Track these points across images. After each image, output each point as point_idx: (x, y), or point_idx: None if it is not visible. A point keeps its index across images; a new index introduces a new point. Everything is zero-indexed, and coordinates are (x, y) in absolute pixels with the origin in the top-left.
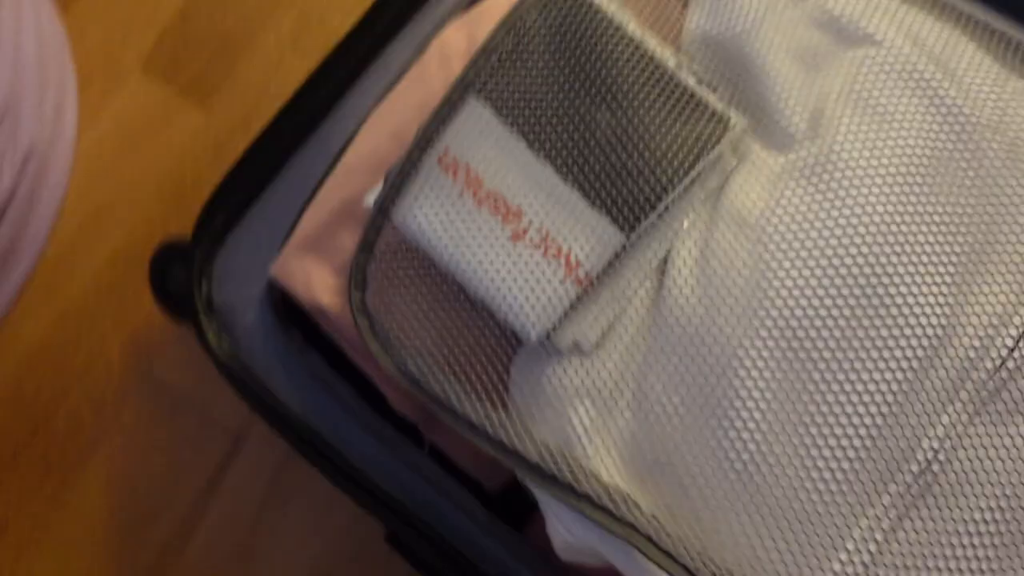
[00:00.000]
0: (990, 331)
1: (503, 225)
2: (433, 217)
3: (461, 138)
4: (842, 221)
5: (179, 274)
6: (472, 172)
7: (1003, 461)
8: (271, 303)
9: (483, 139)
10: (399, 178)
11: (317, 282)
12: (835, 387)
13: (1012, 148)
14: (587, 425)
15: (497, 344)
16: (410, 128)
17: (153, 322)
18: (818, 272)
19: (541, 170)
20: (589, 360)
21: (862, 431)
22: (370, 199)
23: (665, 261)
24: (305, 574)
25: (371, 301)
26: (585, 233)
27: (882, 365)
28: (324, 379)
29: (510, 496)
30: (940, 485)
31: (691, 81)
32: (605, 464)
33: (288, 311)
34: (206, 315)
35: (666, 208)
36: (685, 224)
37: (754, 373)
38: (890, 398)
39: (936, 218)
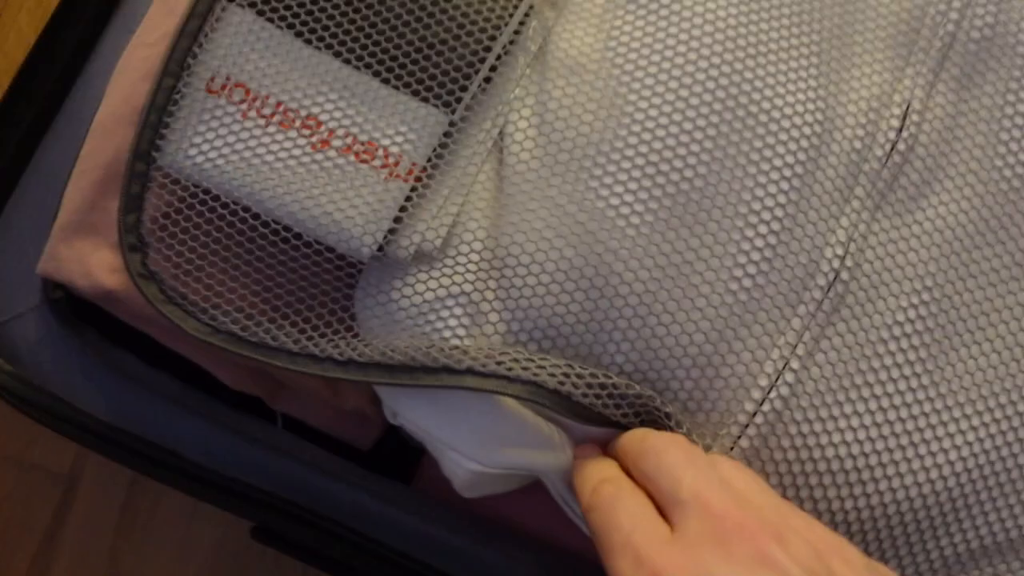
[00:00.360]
0: (872, 116)
1: (300, 138)
2: (215, 151)
3: (225, 54)
4: (684, 38)
5: None
6: (250, 89)
7: (916, 251)
8: (52, 307)
9: (252, 48)
10: (155, 115)
11: (96, 264)
12: (716, 214)
13: None
14: (460, 335)
15: (329, 274)
16: None
17: None
18: (671, 98)
19: (328, 66)
20: (441, 264)
21: (755, 255)
22: None
23: (502, 138)
24: None
25: (155, 264)
26: (398, 124)
27: (763, 180)
28: (138, 377)
29: (388, 453)
30: (854, 293)
31: None
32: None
33: (76, 310)
34: None
35: (487, 80)
36: (515, 92)
37: (624, 222)
38: (779, 212)
39: (785, 15)
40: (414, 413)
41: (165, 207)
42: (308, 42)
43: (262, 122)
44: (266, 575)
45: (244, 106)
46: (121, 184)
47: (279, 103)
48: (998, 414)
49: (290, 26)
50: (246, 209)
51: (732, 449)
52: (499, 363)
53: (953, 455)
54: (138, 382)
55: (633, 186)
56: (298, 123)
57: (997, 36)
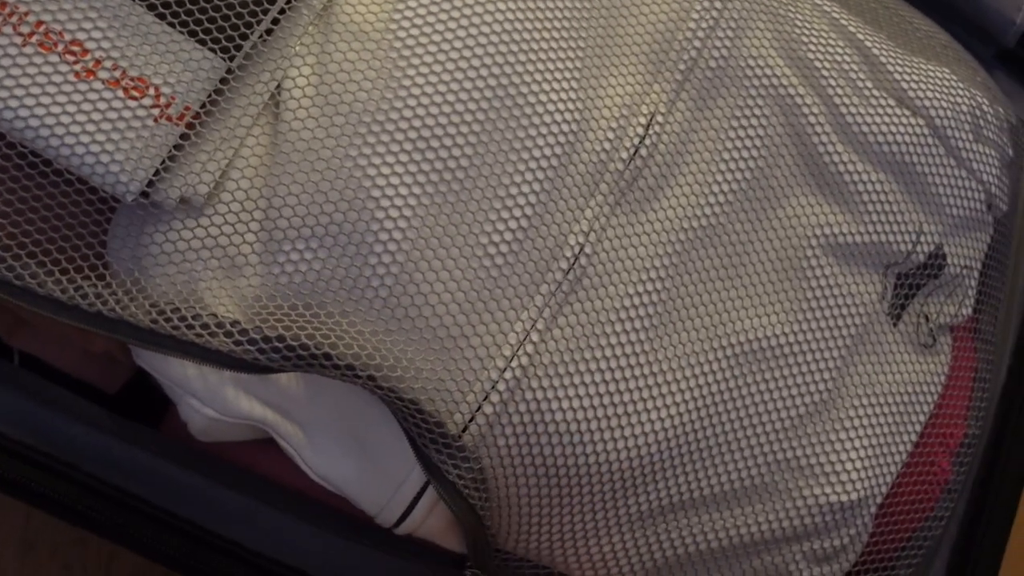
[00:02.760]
0: (621, 122)
1: (63, 64)
2: None
3: None
4: (464, 23)
5: None
6: (6, 2)
7: (645, 247)
8: None
9: None
10: None
11: None
12: (476, 194)
13: None
14: (212, 288)
15: (82, 209)
16: None
17: None
18: (446, 78)
19: None
20: (203, 214)
21: (508, 235)
22: None
23: (279, 92)
24: None
25: None
26: (172, 63)
27: (521, 167)
28: None
29: (137, 396)
30: (589, 278)
31: None
32: (234, 315)
33: None
34: None
35: (269, 32)
36: (296, 47)
37: (391, 191)
38: (532, 199)
39: (558, 19)
40: (154, 358)
41: None
42: None
43: (18, 40)
44: None
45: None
46: None
47: (40, 22)
48: (696, 393)
49: None
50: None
51: (477, 414)
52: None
53: (658, 423)
54: None
55: (403, 158)
56: (61, 47)
57: (730, 66)
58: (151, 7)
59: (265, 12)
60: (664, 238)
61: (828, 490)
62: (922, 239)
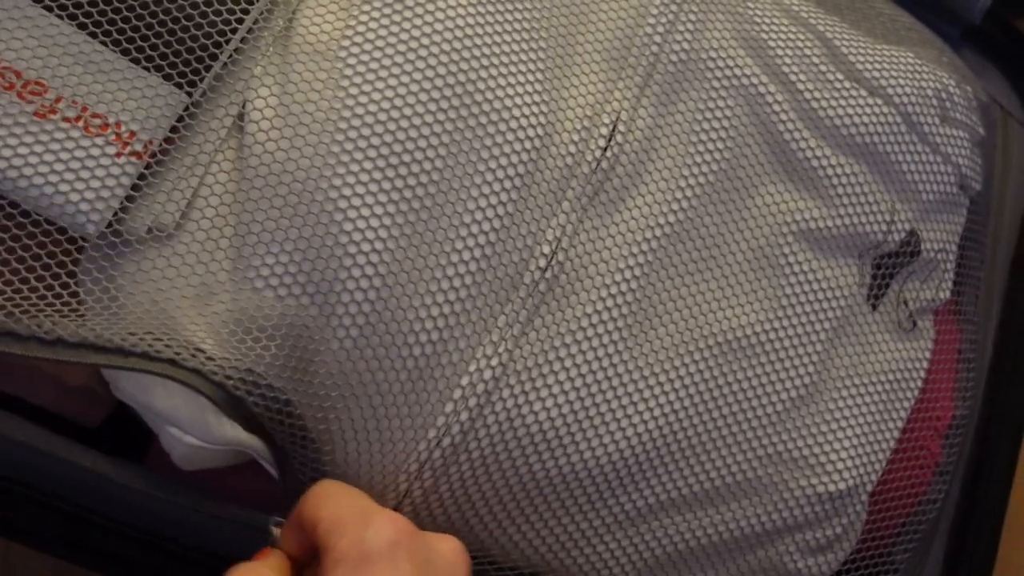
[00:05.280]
0: (586, 124)
1: (21, 102)
2: None
3: None
4: (419, 34)
5: None
6: None
7: (618, 247)
8: None
9: None
10: None
11: None
12: (447, 209)
13: None
14: (188, 314)
15: (50, 247)
16: None
17: None
18: (403, 91)
19: (62, 30)
20: (171, 243)
21: (477, 251)
22: None
23: (243, 115)
24: None
25: None
26: (134, 98)
27: (489, 177)
28: None
29: (119, 429)
30: (561, 285)
31: None
32: (206, 343)
33: None
34: None
35: (230, 58)
36: (257, 70)
37: (363, 211)
38: (500, 210)
39: (517, 22)
40: (133, 388)
41: None
42: (39, 1)
43: None
44: None
45: None
46: None
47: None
48: (677, 391)
49: None
50: None
51: (451, 426)
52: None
53: (640, 424)
54: None
55: (365, 177)
56: (19, 85)
57: (691, 61)
58: (113, 43)
59: (227, 42)
60: (636, 237)
61: (816, 480)
62: (895, 223)
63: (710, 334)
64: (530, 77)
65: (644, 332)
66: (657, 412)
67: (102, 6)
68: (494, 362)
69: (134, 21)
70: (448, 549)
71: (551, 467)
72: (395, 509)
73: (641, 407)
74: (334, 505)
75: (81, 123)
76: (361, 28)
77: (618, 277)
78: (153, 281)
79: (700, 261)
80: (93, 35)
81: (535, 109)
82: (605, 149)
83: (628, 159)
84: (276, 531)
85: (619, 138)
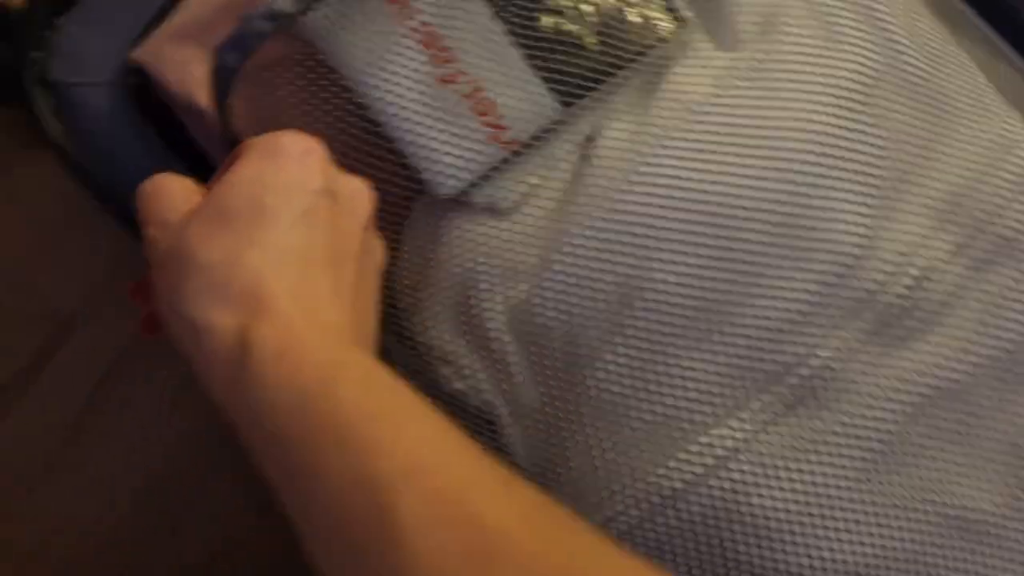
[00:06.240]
0: (899, 262)
1: (432, 64)
2: (354, 34)
3: None
4: (783, 124)
5: None
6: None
7: (887, 383)
8: (124, 90)
9: None
10: None
11: (195, 75)
12: (753, 289)
13: (936, 98)
14: (484, 288)
15: (396, 184)
16: None
17: None
18: (756, 163)
19: (489, 22)
20: (501, 220)
21: (763, 327)
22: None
23: (593, 136)
24: (138, 477)
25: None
26: (519, 97)
27: (798, 275)
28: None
29: None
30: (826, 392)
31: None
32: (489, 324)
33: (140, 100)
34: (40, 88)
35: (605, 90)
36: (619, 102)
37: (676, 256)
38: (792, 307)
39: (868, 139)
40: None
41: (277, 55)
42: None
43: (402, 30)
44: (227, 471)
45: (396, 7)
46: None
47: (427, 23)
48: (890, 540)
49: None
50: (354, 98)
51: (672, 478)
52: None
53: (850, 552)
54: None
55: (696, 227)
56: (434, 49)
57: (1018, 240)
58: (527, 49)
59: (607, 75)
60: (909, 382)
61: None
62: None
63: (942, 503)
64: (860, 199)
65: (882, 472)
66: (869, 550)
67: (528, 15)
68: (738, 435)
69: (548, 35)
70: (355, 184)
71: (756, 554)
72: None
73: (856, 538)
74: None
75: (471, 101)
76: (726, 100)
77: (879, 412)
78: (469, 251)
79: (960, 430)
80: (513, 34)
81: (857, 230)
82: (910, 290)
83: (928, 307)
84: None
85: (926, 284)
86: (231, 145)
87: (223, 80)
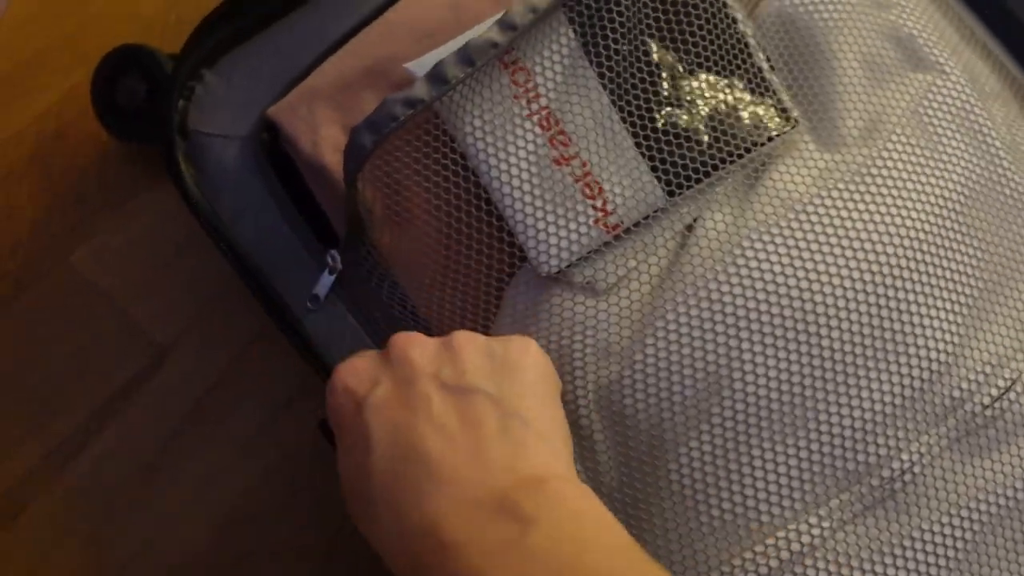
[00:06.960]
0: (987, 370)
1: (548, 145)
2: (477, 111)
3: (533, 45)
4: (882, 230)
5: (133, 85)
6: (532, 82)
7: (967, 491)
8: (257, 145)
9: (555, 56)
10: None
11: (326, 137)
12: (840, 388)
13: None
14: (583, 360)
15: (498, 257)
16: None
17: (82, 198)
18: (852, 265)
19: (604, 108)
20: (599, 300)
21: (847, 426)
22: (416, 68)
23: (693, 224)
24: (222, 511)
25: (372, 171)
26: (627, 183)
27: (884, 378)
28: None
29: None
30: (906, 495)
31: (765, 64)
32: (579, 401)
33: (271, 155)
34: (179, 136)
35: (708, 183)
36: (720, 193)
37: (767, 349)
38: (878, 408)
39: (964, 249)
40: None
41: (411, 138)
42: (602, 79)
43: (524, 113)
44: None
45: (519, 90)
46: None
47: (546, 108)
48: None
49: (594, 59)
50: (474, 178)
51: (747, 570)
52: None
53: None
54: (298, 237)
55: (787, 323)
56: (551, 132)
57: None
58: (638, 137)
59: (719, 169)
60: (989, 492)
61: None
62: None
63: None
64: (956, 307)
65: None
66: None
67: (642, 103)
68: (815, 532)
69: (660, 123)
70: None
71: None
72: None
73: None
74: None
75: (581, 184)
76: (827, 201)
77: (957, 520)
78: (565, 327)
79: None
80: (626, 122)
81: (947, 338)
82: (995, 400)
83: (1012, 418)
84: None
85: (1012, 395)
86: (353, 216)
87: (355, 159)
